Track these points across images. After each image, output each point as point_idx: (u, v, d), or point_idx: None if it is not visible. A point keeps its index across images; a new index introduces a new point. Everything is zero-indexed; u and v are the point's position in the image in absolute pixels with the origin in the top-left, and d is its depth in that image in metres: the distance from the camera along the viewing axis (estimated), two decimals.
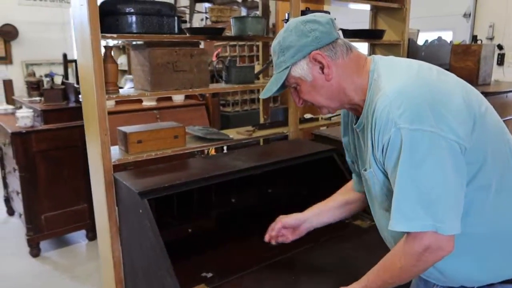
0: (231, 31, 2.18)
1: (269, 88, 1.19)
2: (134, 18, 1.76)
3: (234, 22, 2.14)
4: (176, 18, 1.89)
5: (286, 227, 1.46)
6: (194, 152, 2.85)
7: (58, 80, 3.42)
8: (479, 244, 1.04)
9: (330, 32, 1.12)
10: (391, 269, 1.05)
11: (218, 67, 2.20)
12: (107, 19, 1.73)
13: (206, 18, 5.11)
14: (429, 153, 0.93)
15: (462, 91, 1.02)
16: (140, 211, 1.48)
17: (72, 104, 3.22)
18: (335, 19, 1.17)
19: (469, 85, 1.10)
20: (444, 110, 0.96)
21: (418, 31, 3.19)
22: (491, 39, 4.70)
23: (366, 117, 1.07)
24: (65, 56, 3.70)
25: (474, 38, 2.81)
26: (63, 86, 3.28)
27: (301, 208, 2.03)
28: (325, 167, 2.07)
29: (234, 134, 2.19)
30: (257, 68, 2.46)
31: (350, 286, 1.15)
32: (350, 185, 1.45)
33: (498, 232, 1.03)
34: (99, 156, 1.69)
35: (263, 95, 1.24)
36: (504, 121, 1.14)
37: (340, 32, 1.33)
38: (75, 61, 3.76)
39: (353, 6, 2.81)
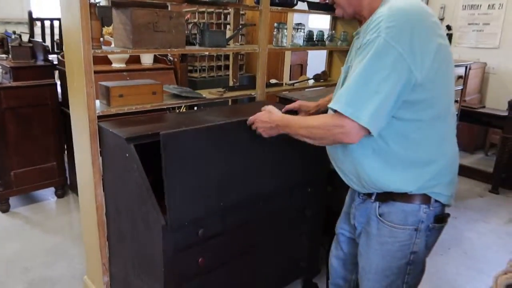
0: None
1: None
2: None
3: None
4: None
5: (303, 109, 1.91)
6: (167, 109, 3.00)
7: (25, 38, 3.41)
8: (398, 158, 1.28)
9: None
10: (310, 122, 1.32)
11: (193, 32, 2.34)
12: None
13: None
14: (389, 66, 1.14)
15: (441, 29, 1.24)
16: (127, 155, 1.65)
17: (40, 63, 3.24)
18: None
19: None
20: (419, 43, 1.15)
21: None
22: (442, 19, 5.07)
23: (365, 28, 1.26)
24: (30, 14, 3.66)
25: None
26: (30, 44, 3.28)
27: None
28: None
29: (206, 94, 2.37)
30: (228, 34, 2.63)
31: (276, 115, 1.48)
32: None
33: (416, 154, 1.27)
34: (85, 107, 1.82)
35: None
36: None
37: None
38: (41, 20, 3.74)
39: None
